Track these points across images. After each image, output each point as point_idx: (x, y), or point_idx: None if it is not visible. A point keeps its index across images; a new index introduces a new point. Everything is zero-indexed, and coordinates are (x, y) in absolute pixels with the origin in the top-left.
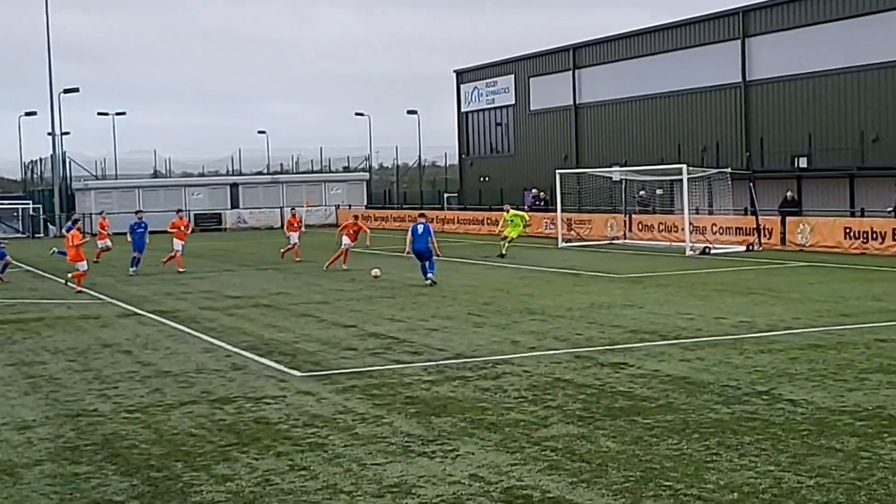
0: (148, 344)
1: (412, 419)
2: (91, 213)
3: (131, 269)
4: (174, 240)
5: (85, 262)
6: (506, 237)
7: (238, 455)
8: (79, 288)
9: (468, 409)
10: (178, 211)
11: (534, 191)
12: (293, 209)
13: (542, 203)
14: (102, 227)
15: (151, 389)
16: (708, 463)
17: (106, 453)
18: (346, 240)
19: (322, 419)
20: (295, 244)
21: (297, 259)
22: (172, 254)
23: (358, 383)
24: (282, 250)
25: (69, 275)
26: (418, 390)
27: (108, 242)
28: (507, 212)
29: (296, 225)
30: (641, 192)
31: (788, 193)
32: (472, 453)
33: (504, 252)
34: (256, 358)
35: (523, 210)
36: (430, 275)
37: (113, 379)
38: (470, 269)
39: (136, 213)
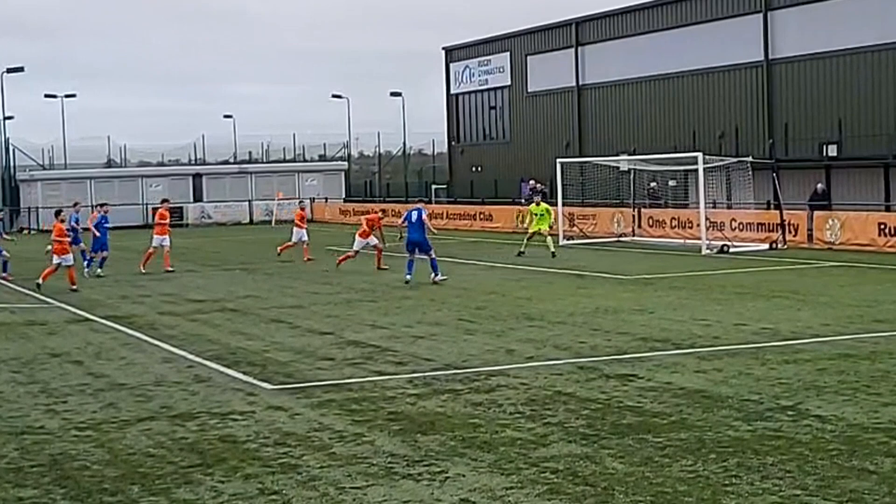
0: (101, 353)
1: (396, 437)
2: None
3: (91, 271)
4: (155, 235)
5: (70, 256)
6: (536, 233)
7: (201, 478)
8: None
9: (458, 426)
10: (164, 201)
11: (531, 182)
12: (300, 201)
13: (540, 196)
14: None
15: (105, 404)
16: (726, 486)
17: (54, 475)
18: (359, 241)
19: (295, 437)
20: (300, 241)
21: (280, 253)
22: (164, 251)
23: (335, 397)
24: (305, 257)
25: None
26: (403, 405)
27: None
28: (538, 204)
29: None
30: (652, 184)
31: (819, 186)
32: (463, 475)
33: (553, 249)
34: (222, 369)
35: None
36: (435, 276)
37: (62, 392)
38: (461, 270)
39: (102, 206)
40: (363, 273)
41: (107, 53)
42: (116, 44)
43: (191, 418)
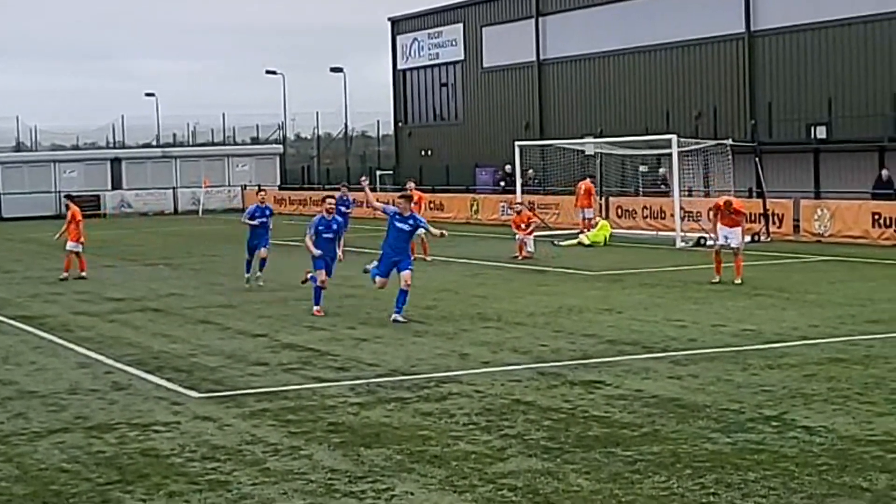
0: (8, 357)
1: (336, 451)
2: None
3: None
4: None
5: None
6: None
7: (121, 496)
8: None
9: (406, 438)
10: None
11: (529, 171)
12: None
13: (501, 181)
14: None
15: (13, 414)
16: None
17: None
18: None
19: (225, 451)
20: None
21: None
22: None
23: (269, 406)
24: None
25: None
26: (344, 415)
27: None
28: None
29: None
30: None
31: (884, 172)
32: (412, 493)
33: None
34: (143, 375)
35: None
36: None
37: None
38: None
39: (259, 190)
40: (299, 268)
41: (13, 25)
42: (24, 15)
43: (109, 430)
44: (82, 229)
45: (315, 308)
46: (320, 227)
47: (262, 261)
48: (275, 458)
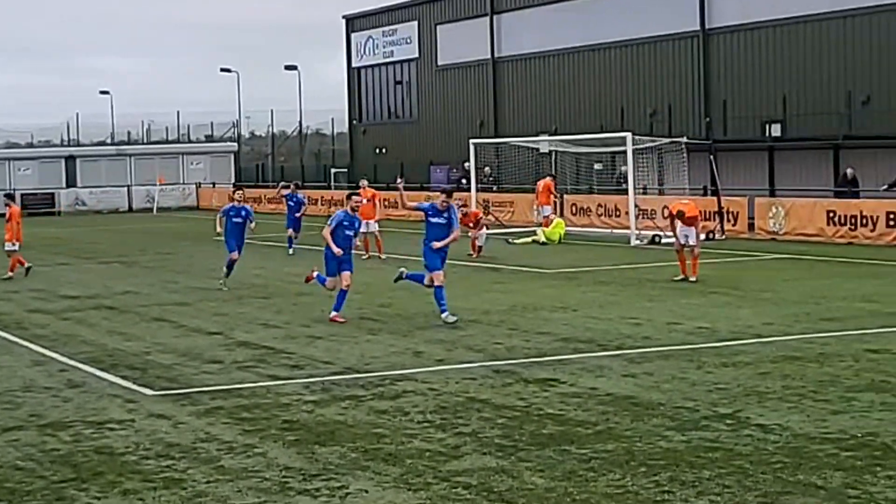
0: None
1: (291, 449)
2: None
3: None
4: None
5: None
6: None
7: (76, 493)
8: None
9: (360, 436)
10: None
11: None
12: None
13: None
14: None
15: None
16: (658, 503)
17: None
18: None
19: (179, 449)
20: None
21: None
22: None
23: (224, 404)
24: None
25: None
26: (299, 413)
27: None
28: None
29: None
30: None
31: (849, 170)
32: (366, 491)
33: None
34: (98, 373)
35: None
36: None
37: None
38: (362, 264)
39: (235, 189)
40: (254, 266)
41: None
42: None
43: (63, 428)
44: (19, 229)
45: (332, 314)
46: (345, 223)
47: (232, 263)
48: (229, 455)
